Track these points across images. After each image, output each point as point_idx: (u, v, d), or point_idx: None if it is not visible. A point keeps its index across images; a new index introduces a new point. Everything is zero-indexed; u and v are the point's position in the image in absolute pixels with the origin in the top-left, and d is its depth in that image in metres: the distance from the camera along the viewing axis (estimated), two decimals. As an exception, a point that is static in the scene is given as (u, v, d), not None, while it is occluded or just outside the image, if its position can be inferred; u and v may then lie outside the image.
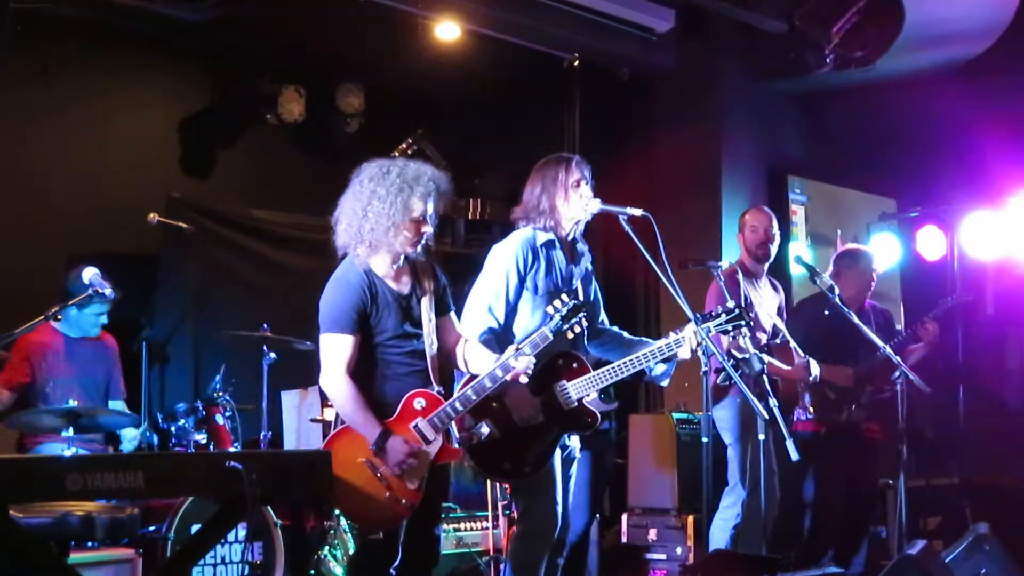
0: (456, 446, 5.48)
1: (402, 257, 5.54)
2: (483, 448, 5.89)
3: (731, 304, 6.26)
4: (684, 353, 6.07)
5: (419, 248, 5.51)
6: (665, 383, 6.53)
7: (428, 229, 5.48)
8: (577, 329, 5.59)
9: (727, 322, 6.16)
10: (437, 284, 5.66)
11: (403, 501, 5.35)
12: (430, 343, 5.52)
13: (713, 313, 6.19)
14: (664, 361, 6.21)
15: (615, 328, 6.47)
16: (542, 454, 5.95)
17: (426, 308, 5.54)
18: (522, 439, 5.93)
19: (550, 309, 5.58)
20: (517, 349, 5.47)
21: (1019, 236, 10.11)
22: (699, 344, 6.04)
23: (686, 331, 6.05)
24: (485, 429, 5.83)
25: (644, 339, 6.40)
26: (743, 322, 6.18)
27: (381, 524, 5.42)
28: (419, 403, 5.40)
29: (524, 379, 5.51)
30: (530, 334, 5.62)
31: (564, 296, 5.63)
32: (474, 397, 5.44)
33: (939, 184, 10.90)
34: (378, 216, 5.41)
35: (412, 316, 5.51)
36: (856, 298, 8.53)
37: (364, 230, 5.43)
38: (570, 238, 6.26)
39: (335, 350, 5.40)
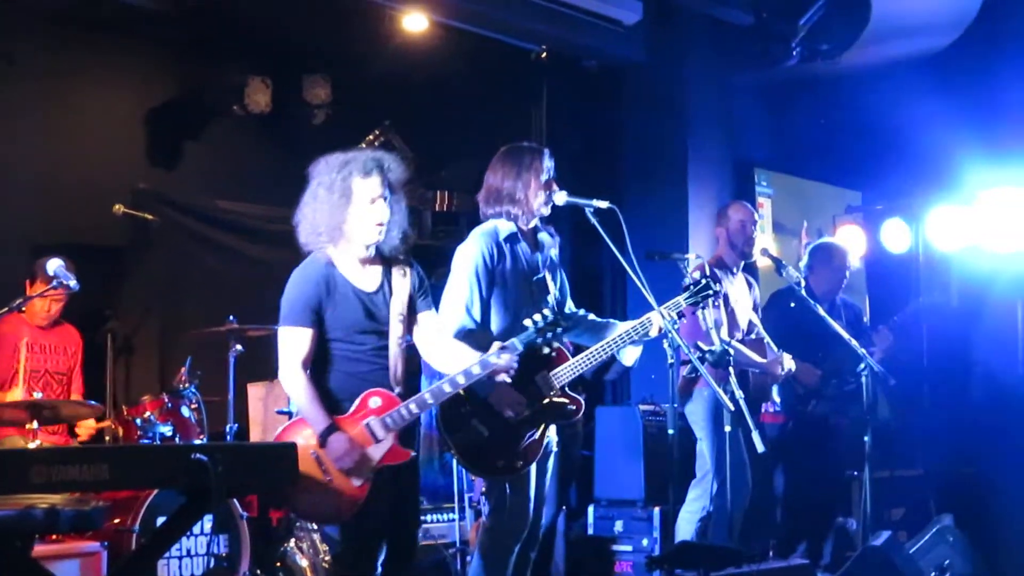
0: (404, 447, 5.42)
1: (371, 251, 5.51)
2: (474, 448, 5.90)
3: (696, 275, 6.29)
4: (654, 332, 6.11)
5: (380, 235, 5.46)
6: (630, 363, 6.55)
7: (381, 213, 5.44)
8: (556, 344, 5.52)
9: (695, 294, 6.19)
10: (413, 283, 5.59)
11: (346, 497, 5.33)
12: (396, 342, 5.48)
13: (681, 288, 6.23)
14: (634, 343, 6.22)
15: (582, 312, 6.46)
16: (533, 446, 5.97)
17: (396, 307, 5.49)
18: (512, 435, 5.93)
19: (527, 322, 5.51)
20: (502, 347, 5.44)
21: (984, 229, 10.16)
22: (665, 325, 6.06)
23: (652, 313, 6.08)
24: (484, 430, 5.88)
25: (611, 320, 6.42)
26: (711, 292, 6.21)
27: (327, 518, 5.49)
28: (375, 401, 5.38)
29: (504, 377, 5.49)
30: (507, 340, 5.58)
31: (546, 311, 5.53)
32: (430, 401, 5.40)
33: (905, 177, 10.94)
34: (325, 205, 5.42)
35: (376, 314, 5.47)
36: (828, 293, 8.59)
37: (319, 224, 5.45)
38: (531, 227, 6.26)
39: (290, 344, 5.41)
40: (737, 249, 8.07)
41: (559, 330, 5.50)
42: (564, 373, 6.03)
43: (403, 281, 5.54)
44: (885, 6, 9.86)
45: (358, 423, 5.36)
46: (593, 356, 6.08)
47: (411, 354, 5.65)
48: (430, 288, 5.72)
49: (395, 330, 5.48)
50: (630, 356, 6.33)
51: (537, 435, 5.98)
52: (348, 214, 5.44)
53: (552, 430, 6.16)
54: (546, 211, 6.23)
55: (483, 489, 6.25)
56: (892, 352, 8.48)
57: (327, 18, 9.30)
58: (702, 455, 7.73)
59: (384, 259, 5.57)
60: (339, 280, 5.45)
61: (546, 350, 5.49)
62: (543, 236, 6.33)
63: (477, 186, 6.40)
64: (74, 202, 9.03)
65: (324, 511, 5.44)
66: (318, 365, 5.45)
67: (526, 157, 6.22)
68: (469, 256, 6.10)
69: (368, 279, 5.51)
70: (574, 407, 6.06)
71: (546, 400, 6.01)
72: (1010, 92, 9.87)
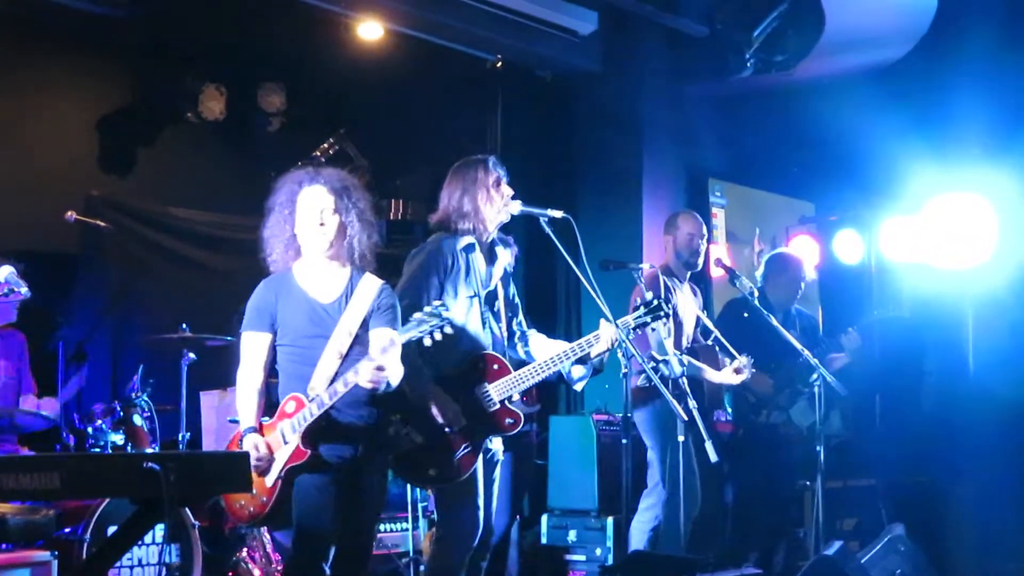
0: (304, 448, 5.45)
1: (330, 259, 5.59)
2: (408, 456, 5.91)
3: (649, 296, 6.30)
4: (600, 347, 6.11)
5: (324, 238, 5.55)
6: (580, 387, 6.54)
7: (318, 217, 5.54)
8: (437, 336, 5.46)
9: (646, 314, 6.19)
10: (374, 302, 5.59)
11: (258, 494, 5.49)
12: (336, 351, 5.50)
13: (632, 307, 6.23)
14: (581, 362, 6.24)
15: (533, 331, 6.49)
16: (467, 458, 5.96)
17: (346, 320, 5.53)
18: (447, 444, 5.93)
19: (416, 315, 5.46)
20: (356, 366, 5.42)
21: (935, 240, 10.22)
22: (616, 341, 6.06)
23: (602, 327, 6.09)
24: (418, 438, 5.87)
25: (563, 342, 6.42)
26: (662, 312, 6.20)
27: (244, 518, 5.66)
28: (290, 406, 5.51)
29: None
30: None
31: (434, 304, 5.49)
32: (317, 411, 5.41)
33: (858, 188, 11.00)
34: (278, 221, 5.62)
35: (324, 322, 5.53)
36: (783, 303, 8.62)
37: (274, 242, 5.64)
38: (488, 239, 6.26)
39: (244, 347, 5.64)
40: (683, 259, 8.03)
41: (443, 323, 5.43)
42: (503, 387, 6.03)
43: (364, 297, 5.59)
44: (839, 19, 9.91)
45: (275, 427, 5.51)
46: (535, 371, 6.08)
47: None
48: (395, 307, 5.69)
49: (336, 340, 5.51)
50: (577, 372, 6.34)
51: (471, 447, 5.98)
52: (296, 225, 5.59)
53: (497, 441, 6.17)
54: (504, 218, 6.24)
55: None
56: (857, 356, 8.52)
57: (282, 26, 9.28)
58: (653, 465, 7.74)
59: (353, 271, 5.64)
60: (294, 288, 5.59)
61: (428, 342, 5.47)
62: (498, 249, 6.33)
63: (432, 195, 6.41)
64: (26, 208, 8.96)
65: (244, 511, 5.62)
66: (275, 370, 5.62)
67: (471, 171, 6.22)
68: (421, 262, 6.10)
69: (327, 290, 5.60)
70: (512, 420, 6.05)
71: (483, 412, 6.01)
72: (961, 105, 9.94)
